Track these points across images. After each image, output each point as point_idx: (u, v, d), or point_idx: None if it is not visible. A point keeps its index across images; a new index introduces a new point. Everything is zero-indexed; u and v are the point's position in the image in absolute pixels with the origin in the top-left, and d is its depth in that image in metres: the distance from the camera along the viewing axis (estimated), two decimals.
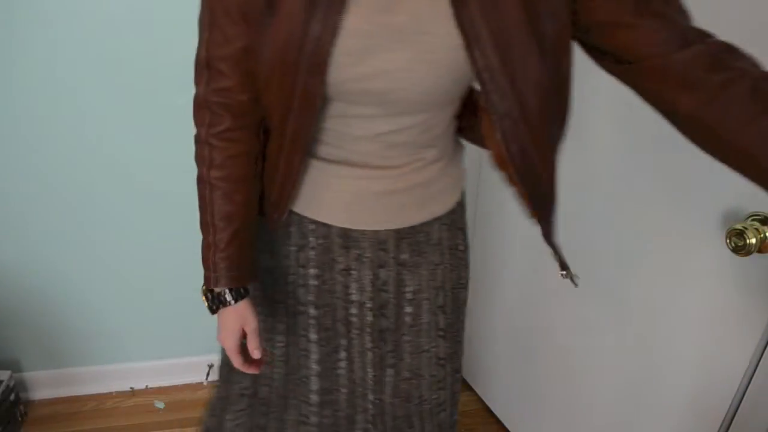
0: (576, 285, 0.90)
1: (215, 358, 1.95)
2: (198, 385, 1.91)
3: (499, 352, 1.68)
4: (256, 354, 0.88)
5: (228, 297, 0.85)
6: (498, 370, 1.71)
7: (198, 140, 0.81)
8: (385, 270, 0.91)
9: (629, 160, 1.11)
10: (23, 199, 1.56)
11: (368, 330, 0.93)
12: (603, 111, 1.14)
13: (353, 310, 0.92)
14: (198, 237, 0.84)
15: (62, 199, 1.58)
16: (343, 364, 0.97)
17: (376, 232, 0.88)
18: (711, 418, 1.01)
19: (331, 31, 0.66)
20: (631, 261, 1.14)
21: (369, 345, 0.94)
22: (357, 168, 0.82)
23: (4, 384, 1.64)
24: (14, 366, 1.76)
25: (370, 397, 0.97)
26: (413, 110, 0.75)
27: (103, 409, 1.80)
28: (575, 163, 1.26)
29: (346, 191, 0.84)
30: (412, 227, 0.89)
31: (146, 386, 1.89)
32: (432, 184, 0.88)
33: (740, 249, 0.85)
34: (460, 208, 0.97)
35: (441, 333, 0.96)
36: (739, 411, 0.97)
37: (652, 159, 1.05)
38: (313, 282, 0.92)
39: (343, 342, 0.95)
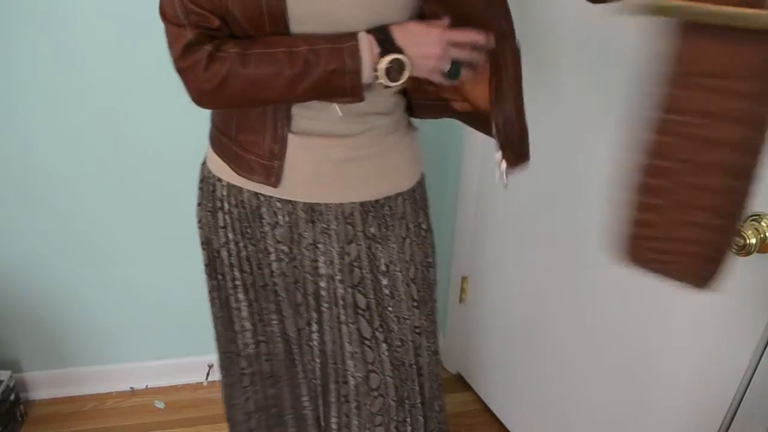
0: (505, 185, 0.90)
1: (215, 358, 1.95)
2: (198, 385, 1.91)
3: (498, 352, 1.68)
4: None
5: (382, 32, 0.76)
6: (498, 369, 1.71)
7: (212, 58, 0.78)
8: (355, 245, 0.93)
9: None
10: (23, 199, 1.56)
11: (341, 303, 0.95)
12: (600, 111, 1.14)
13: (322, 284, 0.95)
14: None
15: (62, 199, 1.58)
16: (315, 336, 1.00)
17: (340, 205, 0.90)
18: (711, 418, 1.01)
19: None
20: None
21: (342, 318, 0.96)
22: (314, 137, 0.85)
23: (4, 384, 1.64)
24: (14, 366, 1.76)
25: (358, 373, 0.99)
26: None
27: (103, 409, 1.80)
28: (573, 165, 1.26)
29: (306, 161, 0.87)
30: (377, 201, 0.92)
31: (146, 386, 1.89)
32: (389, 155, 0.92)
33: (740, 249, 0.85)
34: (420, 187, 1.01)
35: (415, 304, 1.00)
36: (739, 411, 0.97)
37: None
38: (284, 258, 0.95)
39: (314, 315, 0.98)
